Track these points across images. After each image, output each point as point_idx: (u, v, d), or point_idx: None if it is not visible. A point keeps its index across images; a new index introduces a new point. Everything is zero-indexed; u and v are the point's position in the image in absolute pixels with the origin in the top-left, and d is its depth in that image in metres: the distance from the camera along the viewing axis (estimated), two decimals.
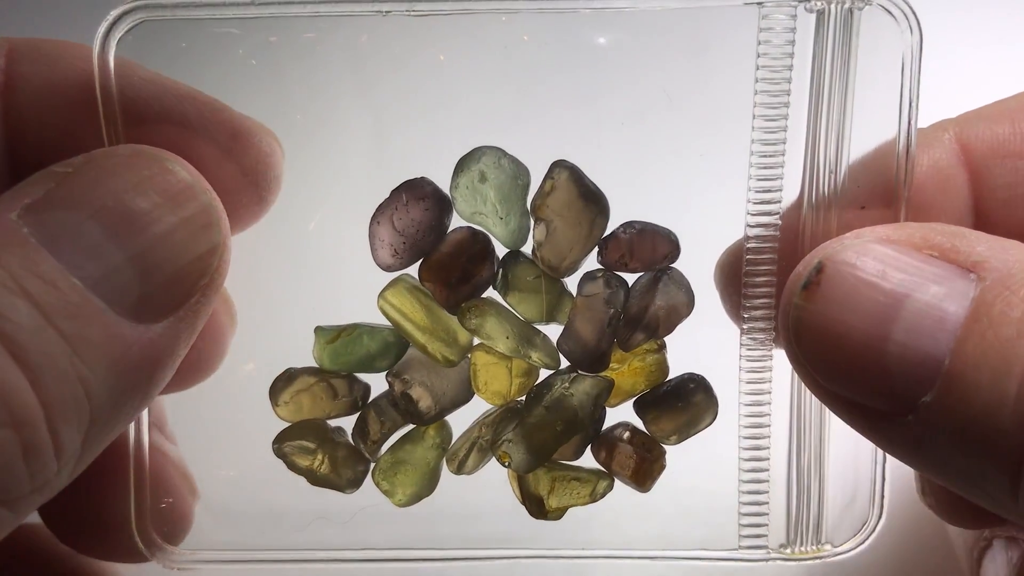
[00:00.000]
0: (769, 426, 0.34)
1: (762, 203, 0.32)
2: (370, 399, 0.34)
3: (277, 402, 0.33)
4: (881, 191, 0.32)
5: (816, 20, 0.31)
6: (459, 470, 0.33)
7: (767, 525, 0.34)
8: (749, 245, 0.32)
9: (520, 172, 0.32)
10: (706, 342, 0.34)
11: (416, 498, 0.34)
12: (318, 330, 0.33)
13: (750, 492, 0.34)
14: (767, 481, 0.34)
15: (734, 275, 0.33)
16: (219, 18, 0.31)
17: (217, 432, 0.35)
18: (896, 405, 0.26)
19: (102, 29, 0.30)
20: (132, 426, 0.34)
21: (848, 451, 0.34)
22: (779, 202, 0.32)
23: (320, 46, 0.31)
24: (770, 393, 0.33)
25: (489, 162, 0.31)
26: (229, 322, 0.33)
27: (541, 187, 0.32)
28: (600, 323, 0.32)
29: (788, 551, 0.34)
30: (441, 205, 0.32)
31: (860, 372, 0.27)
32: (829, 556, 0.35)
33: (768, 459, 0.34)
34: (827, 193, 0.32)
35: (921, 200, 0.33)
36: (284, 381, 0.33)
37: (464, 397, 0.33)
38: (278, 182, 0.32)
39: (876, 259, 0.28)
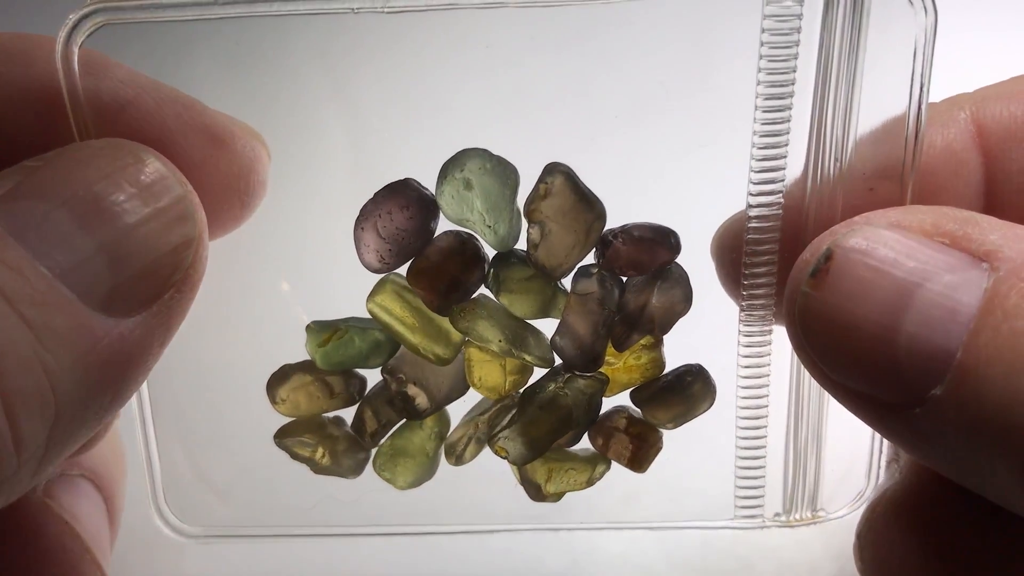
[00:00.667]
0: (767, 406, 0.34)
1: (764, 183, 0.31)
2: (367, 391, 0.34)
3: (274, 399, 0.33)
4: (889, 173, 0.30)
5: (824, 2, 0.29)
6: (457, 462, 0.34)
7: (763, 497, 0.35)
8: (751, 225, 0.31)
9: (508, 174, 0.30)
10: (704, 319, 0.34)
11: (417, 483, 0.34)
12: (310, 329, 0.33)
13: (747, 467, 0.35)
14: (764, 457, 0.34)
15: (732, 247, 0.32)
16: (183, 20, 0.29)
17: (222, 422, 0.36)
18: (904, 397, 0.26)
19: (63, 33, 0.28)
20: (137, 414, 0.35)
21: (846, 425, 0.34)
22: (783, 181, 0.31)
23: (290, 47, 0.30)
24: (769, 373, 0.33)
25: (474, 167, 0.30)
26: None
27: (535, 191, 0.30)
28: (594, 324, 0.31)
29: (783, 519, 0.35)
30: (426, 210, 0.30)
31: (868, 363, 0.26)
32: (823, 521, 0.35)
33: (765, 436, 0.34)
34: (832, 173, 0.31)
35: (932, 183, 0.32)
36: (279, 379, 0.33)
37: (460, 391, 0.33)
38: (263, 186, 0.31)
39: (887, 246, 0.26)
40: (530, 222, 0.30)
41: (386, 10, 0.28)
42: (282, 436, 0.34)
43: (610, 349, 0.32)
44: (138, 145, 0.28)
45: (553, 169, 0.30)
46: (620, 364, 0.32)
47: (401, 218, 0.30)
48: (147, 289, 0.27)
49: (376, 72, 0.30)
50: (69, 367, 0.24)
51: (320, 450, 0.34)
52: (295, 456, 0.34)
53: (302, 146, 0.31)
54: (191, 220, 0.28)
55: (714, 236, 0.32)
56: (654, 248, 0.31)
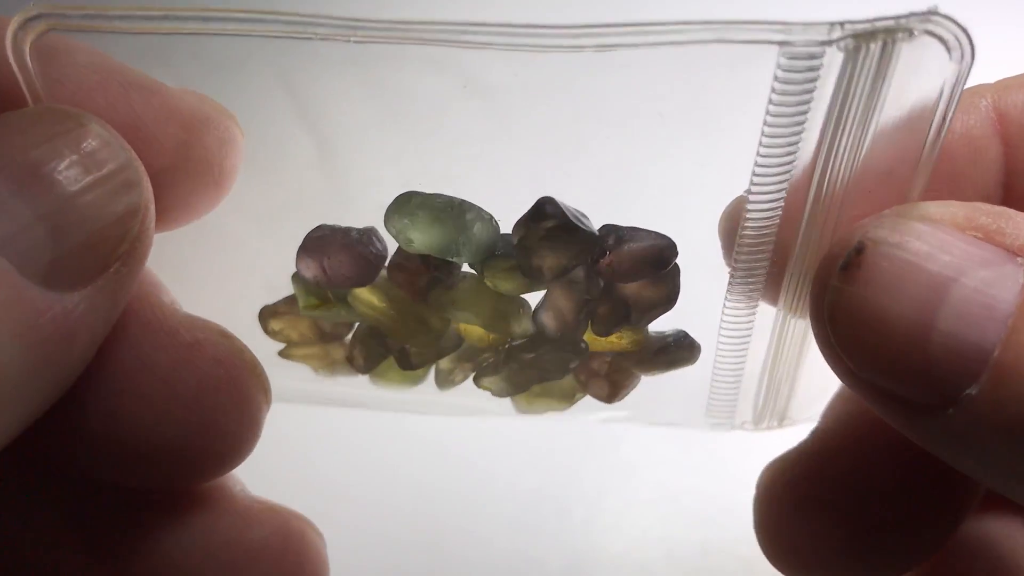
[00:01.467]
0: (747, 348, 0.34)
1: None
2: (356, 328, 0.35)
3: (267, 329, 0.34)
4: (907, 160, 0.28)
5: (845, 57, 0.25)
6: (446, 387, 0.36)
7: (734, 411, 0.37)
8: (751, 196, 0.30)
9: (443, 209, 0.28)
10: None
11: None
12: (295, 278, 0.32)
13: (722, 382, 0.36)
14: (740, 379, 0.35)
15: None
16: (132, 32, 0.26)
17: None
18: (937, 397, 0.25)
19: (10, 32, 0.25)
20: None
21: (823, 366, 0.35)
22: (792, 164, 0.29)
23: (251, 67, 0.26)
24: (750, 330, 0.33)
25: (401, 225, 0.28)
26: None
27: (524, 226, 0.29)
28: (575, 311, 0.31)
29: (751, 427, 0.37)
30: (374, 268, 0.30)
31: (900, 361, 0.25)
32: (789, 426, 0.38)
33: (742, 368, 0.35)
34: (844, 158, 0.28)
35: (950, 170, 0.30)
36: (268, 315, 0.34)
37: (453, 347, 0.34)
38: (235, 170, 0.29)
39: (920, 239, 0.25)
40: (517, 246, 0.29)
41: (352, 40, 0.25)
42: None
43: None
44: (79, 110, 0.26)
45: (543, 208, 0.29)
46: (603, 340, 0.33)
47: (348, 268, 0.30)
48: (91, 261, 0.25)
49: (344, 96, 0.27)
50: (8, 343, 0.23)
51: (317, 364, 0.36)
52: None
53: (265, 167, 0.29)
54: (137, 188, 0.26)
55: (722, 214, 0.31)
56: (644, 268, 0.30)
